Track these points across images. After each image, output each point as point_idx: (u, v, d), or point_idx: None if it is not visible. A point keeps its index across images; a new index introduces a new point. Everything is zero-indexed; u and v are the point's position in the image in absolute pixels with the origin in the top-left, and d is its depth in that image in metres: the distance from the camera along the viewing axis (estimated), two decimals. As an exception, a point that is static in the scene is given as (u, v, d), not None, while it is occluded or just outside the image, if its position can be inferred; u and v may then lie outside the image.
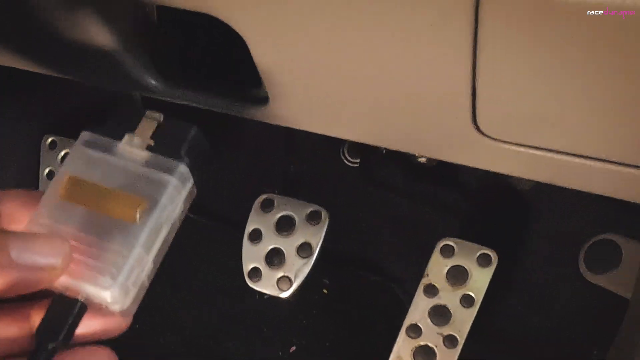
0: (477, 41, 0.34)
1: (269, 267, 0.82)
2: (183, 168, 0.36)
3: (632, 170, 0.41)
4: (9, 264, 0.30)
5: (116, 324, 0.35)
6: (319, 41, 0.39)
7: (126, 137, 0.37)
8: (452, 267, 0.81)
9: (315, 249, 0.81)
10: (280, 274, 0.81)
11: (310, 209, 0.82)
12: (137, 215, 0.34)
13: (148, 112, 0.37)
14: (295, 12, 0.37)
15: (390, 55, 0.38)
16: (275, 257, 0.82)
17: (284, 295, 0.81)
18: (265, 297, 0.92)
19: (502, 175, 0.94)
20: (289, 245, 0.82)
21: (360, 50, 0.39)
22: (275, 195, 0.85)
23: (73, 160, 0.36)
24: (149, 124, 0.37)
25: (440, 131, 0.46)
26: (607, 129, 0.39)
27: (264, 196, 0.85)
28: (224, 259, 1.03)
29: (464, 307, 0.80)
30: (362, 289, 1.00)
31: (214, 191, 1.04)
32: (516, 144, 0.43)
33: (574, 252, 0.86)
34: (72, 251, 0.33)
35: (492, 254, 0.80)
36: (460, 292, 0.80)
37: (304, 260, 0.81)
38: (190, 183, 0.37)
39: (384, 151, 1.02)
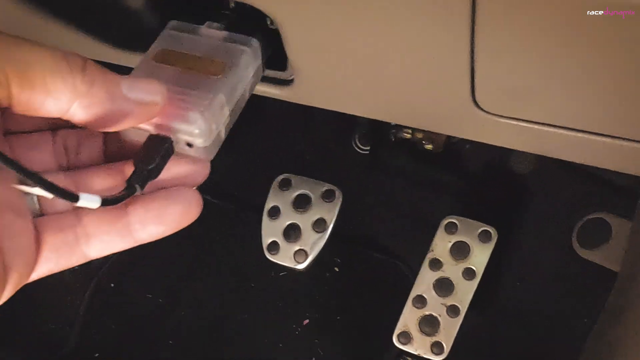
0: (475, 22, 0.40)
1: (287, 241, 0.88)
2: (255, 42, 0.43)
3: (610, 140, 0.47)
4: (121, 96, 0.33)
5: (199, 169, 0.39)
6: (343, 28, 0.45)
7: (207, 22, 0.44)
8: (456, 242, 0.88)
9: (330, 224, 0.88)
10: (297, 247, 0.88)
11: (325, 188, 0.89)
12: (221, 70, 0.40)
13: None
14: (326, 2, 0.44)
15: (399, 39, 0.44)
16: (292, 232, 0.88)
17: (300, 267, 0.88)
18: (282, 274, 0.98)
19: (502, 160, 1.01)
20: (305, 220, 0.88)
21: (375, 36, 0.45)
22: (292, 175, 0.91)
23: (163, 38, 0.43)
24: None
25: (442, 107, 0.52)
26: (588, 103, 0.45)
27: (282, 176, 0.92)
28: (242, 240, 1.09)
29: (466, 279, 0.86)
30: (371, 267, 1.06)
31: (232, 174, 1.10)
32: (510, 118, 0.49)
33: (566, 230, 0.92)
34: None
35: (492, 231, 0.87)
36: (463, 265, 0.87)
37: (319, 235, 0.87)
38: (259, 59, 0.44)
39: (393, 139, 1.09)
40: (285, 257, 0.88)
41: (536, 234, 0.96)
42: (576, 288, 0.93)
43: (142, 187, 0.35)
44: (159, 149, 0.36)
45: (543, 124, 0.49)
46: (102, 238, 0.36)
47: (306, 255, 0.87)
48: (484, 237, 0.87)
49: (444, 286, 0.87)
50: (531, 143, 0.52)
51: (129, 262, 1.13)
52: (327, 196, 0.89)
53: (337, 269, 1.06)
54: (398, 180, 1.07)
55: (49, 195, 0.31)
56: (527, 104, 0.47)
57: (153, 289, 1.11)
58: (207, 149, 0.38)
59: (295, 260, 0.88)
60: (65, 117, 0.33)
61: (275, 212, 0.90)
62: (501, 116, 0.50)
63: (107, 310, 1.12)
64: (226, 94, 0.40)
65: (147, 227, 0.36)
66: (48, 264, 0.34)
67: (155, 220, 0.36)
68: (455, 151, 1.04)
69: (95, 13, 0.52)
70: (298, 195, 0.90)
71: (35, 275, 0.34)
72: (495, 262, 0.87)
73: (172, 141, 0.37)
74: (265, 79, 0.56)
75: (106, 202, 0.33)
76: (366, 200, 1.07)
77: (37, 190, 0.31)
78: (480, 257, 0.86)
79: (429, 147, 1.04)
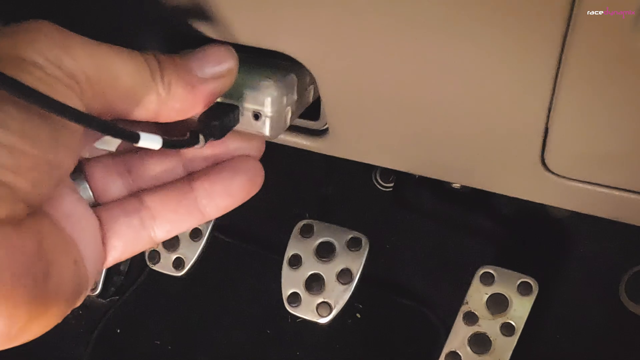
0: (558, 76, 0.34)
1: (309, 292, 0.82)
2: None
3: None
4: (197, 81, 0.33)
5: (255, 144, 0.38)
6: (388, 73, 0.39)
7: None
8: (492, 294, 0.81)
9: (356, 276, 0.81)
10: (320, 300, 0.81)
11: (351, 235, 0.83)
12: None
13: None
14: (366, 47, 0.38)
15: (460, 86, 0.38)
16: (314, 283, 0.82)
17: (324, 321, 0.81)
18: (298, 320, 0.92)
19: (537, 203, 0.94)
20: (329, 271, 0.82)
21: (430, 82, 0.39)
22: (314, 221, 0.85)
23: None
24: None
25: (503, 166, 0.46)
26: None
27: (303, 222, 0.85)
28: (260, 282, 1.03)
29: (504, 335, 0.80)
30: (395, 314, 1.00)
31: (251, 215, 1.04)
32: (583, 182, 0.43)
33: (614, 281, 0.86)
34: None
35: (533, 283, 0.80)
36: (501, 320, 0.80)
37: (344, 287, 0.81)
38: None
39: (417, 176, 1.03)
40: (307, 310, 0.82)
41: (580, 285, 0.90)
42: (625, 345, 0.86)
43: (205, 139, 0.34)
44: (225, 114, 0.36)
45: (623, 189, 0.42)
46: (169, 218, 0.35)
47: (330, 308, 0.81)
48: (524, 289, 0.80)
49: (480, 342, 0.80)
50: (606, 208, 0.45)
51: (136, 306, 1.07)
52: (353, 245, 0.82)
53: (359, 315, 1.00)
54: (425, 221, 1.01)
55: (113, 144, 0.33)
56: (607, 169, 0.41)
57: (161, 336, 1.06)
58: (272, 123, 0.37)
59: (318, 313, 0.81)
60: (151, 120, 0.33)
61: (296, 261, 0.83)
62: (572, 179, 0.43)
63: (112, 358, 1.06)
64: (297, 76, 0.39)
65: (214, 201, 0.36)
66: (114, 253, 0.34)
67: (223, 193, 0.36)
68: (484, 191, 0.98)
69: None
70: (321, 243, 0.83)
71: (104, 266, 0.34)
72: (535, 315, 0.80)
73: (239, 109, 0.37)
74: (296, 129, 0.50)
75: (167, 143, 0.32)
76: (390, 241, 1.01)
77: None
78: (520, 311, 0.80)
79: (456, 186, 0.98)
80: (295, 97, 0.40)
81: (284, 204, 1.04)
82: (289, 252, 0.84)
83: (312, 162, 1.05)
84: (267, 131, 0.37)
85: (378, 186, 1.05)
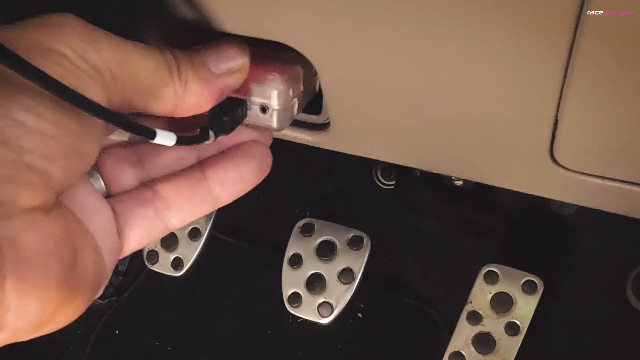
0: (569, 65, 0.33)
1: (310, 292, 0.80)
2: None
3: None
4: (212, 77, 0.34)
5: (263, 134, 0.39)
6: (392, 65, 0.38)
7: None
8: (497, 293, 0.80)
9: (357, 275, 0.80)
10: (321, 300, 0.80)
11: (352, 234, 0.81)
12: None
13: None
14: (369, 38, 0.36)
15: (470, 79, 0.37)
16: (315, 283, 0.80)
17: (325, 321, 0.80)
18: (299, 320, 0.91)
19: (541, 199, 0.93)
20: (330, 270, 0.80)
21: (438, 75, 0.38)
22: (315, 220, 0.84)
23: None
24: None
25: (510, 160, 0.44)
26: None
27: (303, 220, 0.84)
28: (260, 281, 1.02)
29: (509, 335, 0.78)
30: (397, 313, 0.98)
31: (251, 213, 1.03)
32: (594, 176, 0.41)
33: (620, 278, 0.84)
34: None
35: (538, 281, 0.79)
36: (505, 319, 0.79)
37: (346, 286, 0.80)
38: None
39: (419, 173, 1.01)
40: (308, 310, 0.80)
41: (585, 283, 0.88)
42: (631, 343, 0.85)
43: (216, 135, 0.35)
44: (233, 109, 0.36)
45: (635, 183, 0.41)
46: (183, 206, 0.36)
47: (332, 308, 0.79)
48: (529, 287, 0.79)
49: (484, 342, 0.79)
50: (618, 203, 0.44)
51: (135, 306, 1.06)
52: (354, 243, 0.81)
53: (360, 315, 0.98)
54: (427, 219, 1.00)
55: (125, 135, 0.34)
56: (619, 162, 0.39)
57: (161, 336, 1.04)
58: (279, 116, 0.38)
59: (319, 313, 0.80)
60: (167, 115, 0.34)
61: (297, 261, 0.82)
62: (581, 173, 0.42)
63: (111, 359, 1.05)
64: (303, 67, 0.40)
65: (227, 187, 0.37)
66: (131, 242, 0.35)
67: (235, 179, 0.37)
68: (486, 188, 0.96)
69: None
70: (322, 242, 0.82)
71: (120, 257, 0.34)
72: (540, 313, 0.78)
73: (247, 104, 0.37)
74: (298, 123, 0.49)
75: (181, 140, 0.33)
76: (392, 239, 1.00)
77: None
78: (524, 310, 0.78)
79: (459, 183, 0.97)
80: (301, 88, 0.40)
81: (284, 203, 1.03)
82: (289, 252, 0.83)
83: (312, 160, 1.04)
84: (274, 124, 0.38)
85: (379, 184, 1.03)
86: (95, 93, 0.29)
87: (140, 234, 0.35)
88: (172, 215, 0.36)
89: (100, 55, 0.29)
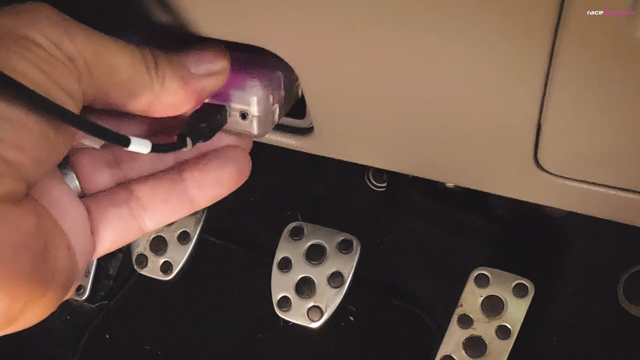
0: (550, 72, 0.33)
1: (299, 296, 0.80)
2: None
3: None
4: (191, 77, 0.34)
5: (244, 140, 0.39)
6: (373, 69, 0.38)
7: None
8: (487, 297, 0.79)
9: (347, 279, 0.79)
10: (310, 304, 0.79)
11: (342, 238, 0.80)
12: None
13: None
14: (348, 42, 0.36)
15: (452, 84, 0.37)
16: (305, 287, 0.80)
17: (315, 325, 0.79)
18: (290, 324, 0.90)
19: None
20: (319, 274, 0.80)
21: (420, 80, 0.37)
22: (304, 223, 0.83)
23: None
24: None
25: (495, 165, 0.44)
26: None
27: (293, 224, 0.83)
28: (251, 285, 1.01)
29: (499, 338, 0.78)
30: (389, 316, 0.98)
31: (241, 216, 1.02)
32: (578, 181, 0.41)
33: (612, 282, 0.84)
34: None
35: (529, 284, 0.78)
36: (496, 323, 0.78)
37: (335, 290, 0.79)
38: None
39: (410, 175, 1.01)
40: (297, 315, 0.79)
41: (577, 286, 0.88)
42: (623, 347, 0.84)
43: (193, 142, 0.34)
44: (212, 115, 0.36)
45: (619, 188, 0.40)
46: (159, 208, 0.36)
47: (321, 312, 0.79)
48: (520, 291, 0.78)
49: (474, 346, 0.78)
50: (603, 208, 0.43)
51: (125, 311, 1.05)
52: (344, 247, 0.80)
53: (352, 318, 0.98)
54: (418, 221, 0.99)
55: (98, 142, 0.33)
56: (603, 167, 0.39)
57: (151, 341, 1.03)
58: (260, 122, 0.37)
59: (308, 317, 0.79)
60: (143, 114, 0.33)
61: (286, 264, 0.81)
62: (565, 178, 0.41)
63: (101, 363, 1.03)
64: (284, 72, 0.39)
65: (204, 190, 0.36)
66: (104, 243, 0.34)
67: (213, 183, 0.37)
68: (478, 191, 0.96)
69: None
70: (311, 246, 0.81)
71: (93, 257, 0.34)
72: (531, 316, 0.78)
73: (226, 110, 0.37)
74: (281, 127, 0.49)
75: (156, 147, 0.32)
76: (384, 242, 0.99)
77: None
78: (515, 313, 0.78)
79: (450, 185, 0.96)
80: (282, 93, 0.40)
81: (274, 205, 1.02)
82: (279, 255, 0.82)
83: (302, 162, 1.03)
84: (255, 130, 0.38)
85: (371, 186, 1.03)
86: (68, 83, 0.28)
87: (114, 234, 0.35)
88: (148, 216, 0.36)
89: (74, 44, 0.29)
